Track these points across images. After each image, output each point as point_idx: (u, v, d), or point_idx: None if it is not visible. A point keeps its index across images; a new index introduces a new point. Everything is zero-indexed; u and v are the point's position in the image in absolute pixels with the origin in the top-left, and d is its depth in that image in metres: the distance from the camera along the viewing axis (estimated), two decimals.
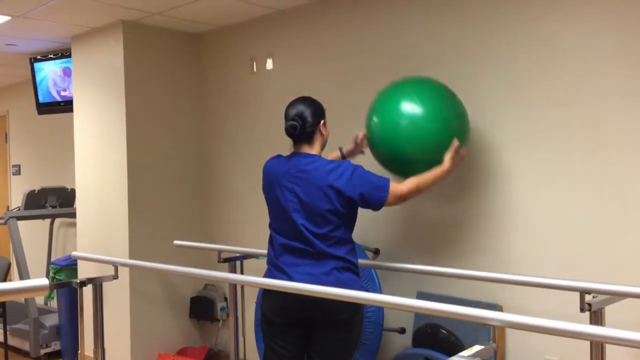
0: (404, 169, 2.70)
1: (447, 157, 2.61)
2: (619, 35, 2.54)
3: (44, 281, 1.43)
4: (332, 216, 2.47)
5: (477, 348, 1.77)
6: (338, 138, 3.63)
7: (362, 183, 2.46)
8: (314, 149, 2.57)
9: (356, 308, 2.49)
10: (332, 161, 2.53)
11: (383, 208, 2.51)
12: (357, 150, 2.90)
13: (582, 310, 2.13)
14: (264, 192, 2.65)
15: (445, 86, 2.78)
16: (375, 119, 2.74)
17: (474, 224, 3.01)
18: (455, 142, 2.62)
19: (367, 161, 2.79)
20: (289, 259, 2.51)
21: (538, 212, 2.79)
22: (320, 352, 2.53)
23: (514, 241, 2.87)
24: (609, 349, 2.21)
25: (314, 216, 2.47)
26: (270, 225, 2.62)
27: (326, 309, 2.44)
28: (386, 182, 2.48)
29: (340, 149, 2.89)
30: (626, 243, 2.54)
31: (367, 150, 2.86)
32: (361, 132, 2.84)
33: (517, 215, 2.86)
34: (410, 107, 2.64)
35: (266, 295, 2.58)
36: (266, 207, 2.63)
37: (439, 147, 2.62)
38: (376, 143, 2.75)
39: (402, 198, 2.51)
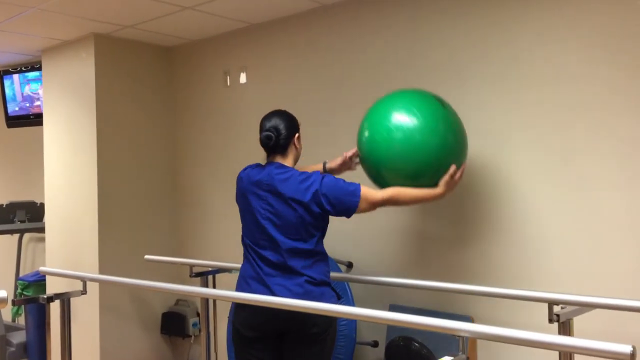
0: (397, 184, 2.54)
1: (442, 181, 2.50)
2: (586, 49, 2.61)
3: (2, 293, 1.39)
4: (303, 227, 2.47)
5: (447, 359, 1.78)
6: (312, 150, 3.63)
7: (333, 191, 2.45)
8: (287, 161, 2.58)
9: (329, 321, 2.48)
10: (303, 172, 2.51)
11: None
12: (344, 167, 2.79)
13: (550, 321, 2.15)
14: (238, 202, 2.64)
15: (440, 99, 2.62)
16: (366, 133, 2.61)
17: (446, 237, 3.03)
18: (453, 167, 2.50)
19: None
20: (265, 269, 2.49)
21: (507, 224, 2.82)
22: None
23: (484, 254, 2.89)
24: (578, 359, 2.23)
25: (285, 227, 2.47)
26: (244, 236, 2.60)
27: (300, 322, 2.43)
28: (357, 187, 2.46)
29: (324, 163, 2.81)
30: (595, 253, 2.57)
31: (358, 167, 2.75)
32: (351, 150, 2.75)
33: (487, 227, 2.88)
34: (405, 120, 2.48)
35: (240, 308, 2.56)
36: (239, 221, 2.62)
37: (436, 163, 2.48)
38: (366, 159, 2.63)
39: (375, 204, 2.47)
